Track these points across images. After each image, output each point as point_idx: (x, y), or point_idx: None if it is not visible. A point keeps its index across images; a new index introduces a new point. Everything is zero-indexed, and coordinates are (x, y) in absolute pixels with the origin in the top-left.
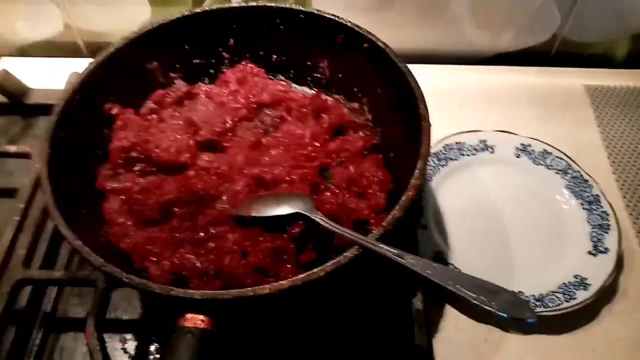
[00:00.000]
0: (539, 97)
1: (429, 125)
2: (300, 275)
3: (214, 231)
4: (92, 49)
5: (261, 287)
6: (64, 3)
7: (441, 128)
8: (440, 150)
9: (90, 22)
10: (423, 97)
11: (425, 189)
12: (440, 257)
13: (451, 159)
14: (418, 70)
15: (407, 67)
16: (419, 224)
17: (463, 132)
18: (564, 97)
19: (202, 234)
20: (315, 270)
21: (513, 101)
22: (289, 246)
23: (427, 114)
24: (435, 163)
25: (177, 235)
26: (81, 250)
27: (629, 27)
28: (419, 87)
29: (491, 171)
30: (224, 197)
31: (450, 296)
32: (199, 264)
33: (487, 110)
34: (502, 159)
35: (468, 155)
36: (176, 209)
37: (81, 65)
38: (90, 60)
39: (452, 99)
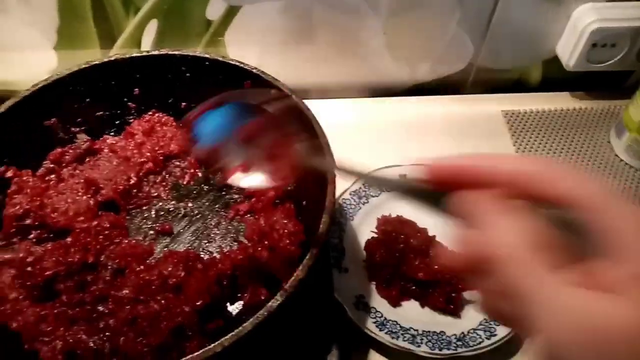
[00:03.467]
0: (458, 125)
1: (334, 176)
2: (196, 353)
3: (101, 308)
4: None
5: None
6: None
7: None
8: (360, 188)
9: None
10: (329, 146)
11: (346, 230)
12: (362, 301)
13: (372, 196)
14: (338, 106)
15: (312, 114)
16: (340, 267)
17: (383, 168)
18: (483, 124)
19: (91, 311)
20: (211, 346)
21: (433, 131)
22: (193, 320)
23: (334, 163)
24: (355, 201)
25: (70, 311)
26: None
27: (539, 53)
28: (324, 135)
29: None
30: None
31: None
32: (92, 344)
33: (407, 142)
34: None
35: (388, 190)
36: (61, 285)
37: None
38: None
39: (372, 132)
